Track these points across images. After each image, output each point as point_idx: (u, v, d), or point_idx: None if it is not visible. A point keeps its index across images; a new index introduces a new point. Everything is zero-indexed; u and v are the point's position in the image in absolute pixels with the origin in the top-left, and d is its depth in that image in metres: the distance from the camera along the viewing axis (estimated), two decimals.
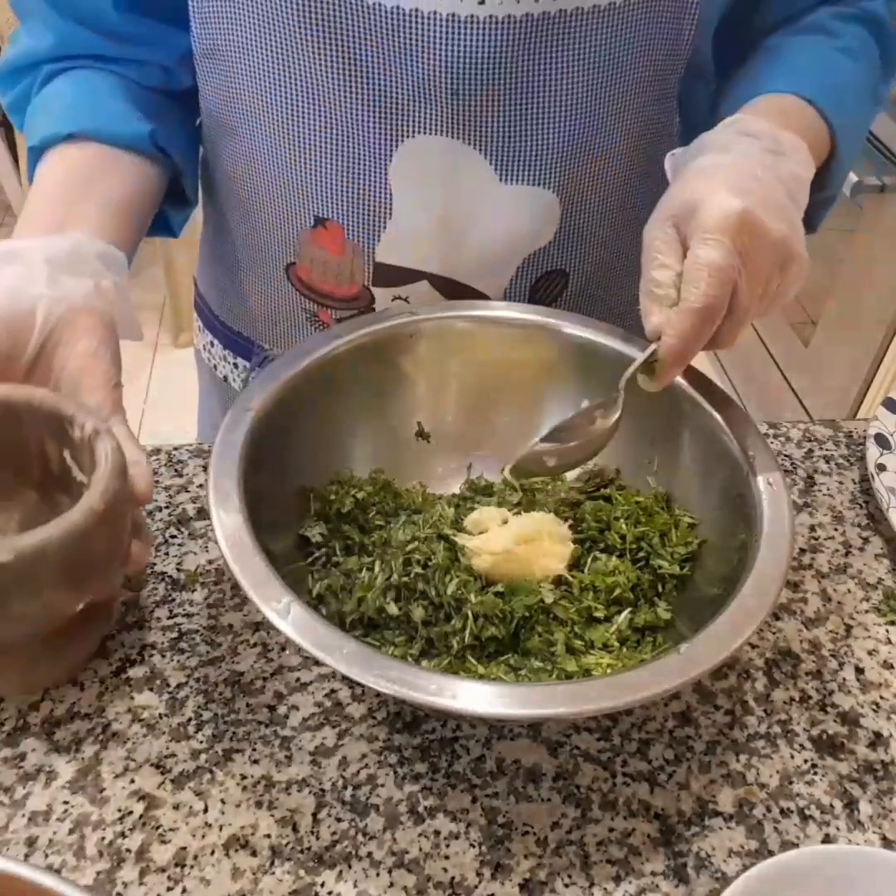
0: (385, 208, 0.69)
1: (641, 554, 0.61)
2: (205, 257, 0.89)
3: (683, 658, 0.47)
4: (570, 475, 0.68)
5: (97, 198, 0.65)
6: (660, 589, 0.60)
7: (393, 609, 0.57)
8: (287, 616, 0.47)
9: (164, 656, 0.60)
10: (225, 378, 0.90)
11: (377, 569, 0.58)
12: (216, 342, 0.89)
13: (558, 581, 0.60)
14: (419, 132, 0.65)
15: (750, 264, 0.55)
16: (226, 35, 0.65)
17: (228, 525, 0.51)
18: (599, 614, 0.58)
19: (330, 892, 0.50)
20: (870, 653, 0.63)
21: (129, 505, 0.53)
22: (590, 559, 0.62)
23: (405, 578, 0.58)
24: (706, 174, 0.57)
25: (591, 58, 0.62)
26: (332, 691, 0.59)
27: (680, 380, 0.63)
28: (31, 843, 0.51)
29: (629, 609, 0.59)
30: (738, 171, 0.57)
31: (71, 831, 0.52)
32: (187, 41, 0.68)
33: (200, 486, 0.72)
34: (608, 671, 0.54)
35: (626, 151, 0.70)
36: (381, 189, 0.68)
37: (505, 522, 0.62)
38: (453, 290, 0.73)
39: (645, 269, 0.58)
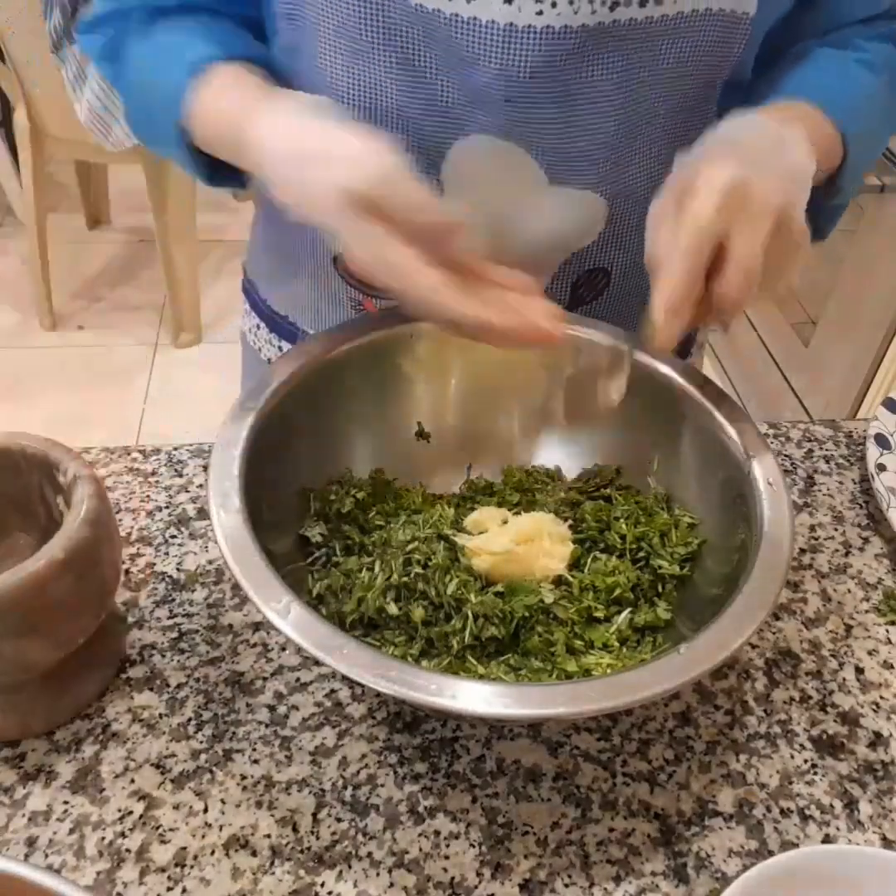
0: None
1: (641, 554, 0.61)
2: (255, 243, 0.90)
3: (683, 658, 0.47)
4: (570, 475, 0.68)
5: None
6: (660, 589, 0.60)
7: (393, 609, 0.57)
8: (287, 616, 0.47)
9: (164, 656, 0.60)
10: (269, 360, 0.90)
11: (377, 569, 0.58)
12: (262, 325, 0.90)
13: (558, 581, 0.60)
14: (474, 132, 0.65)
15: (744, 221, 0.55)
16: (303, 27, 0.65)
17: (228, 525, 0.51)
18: (599, 614, 0.58)
19: (330, 892, 0.49)
20: (870, 653, 0.63)
21: (106, 551, 0.53)
22: (590, 559, 0.62)
23: (405, 578, 0.58)
24: (705, 156, 0.58)
25: (642, 66, 0.63)
26: (332, 691, 0.59)
27: (680, 380, 0.63)
28: (31, 843, 0.51)
29: (629, 609, 0.59)
30: (736, 152, 0.57)
31: (71, 831, 0.52)
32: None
33: (200, 486, 0.72)
34: (608, 671, 0.54)
35: (668, 154, 0.69)
36: (431, 184, 0.68)
37: (505, 522, 0.62)
38: None
39: (646, 241, 0.59)
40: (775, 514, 0.54)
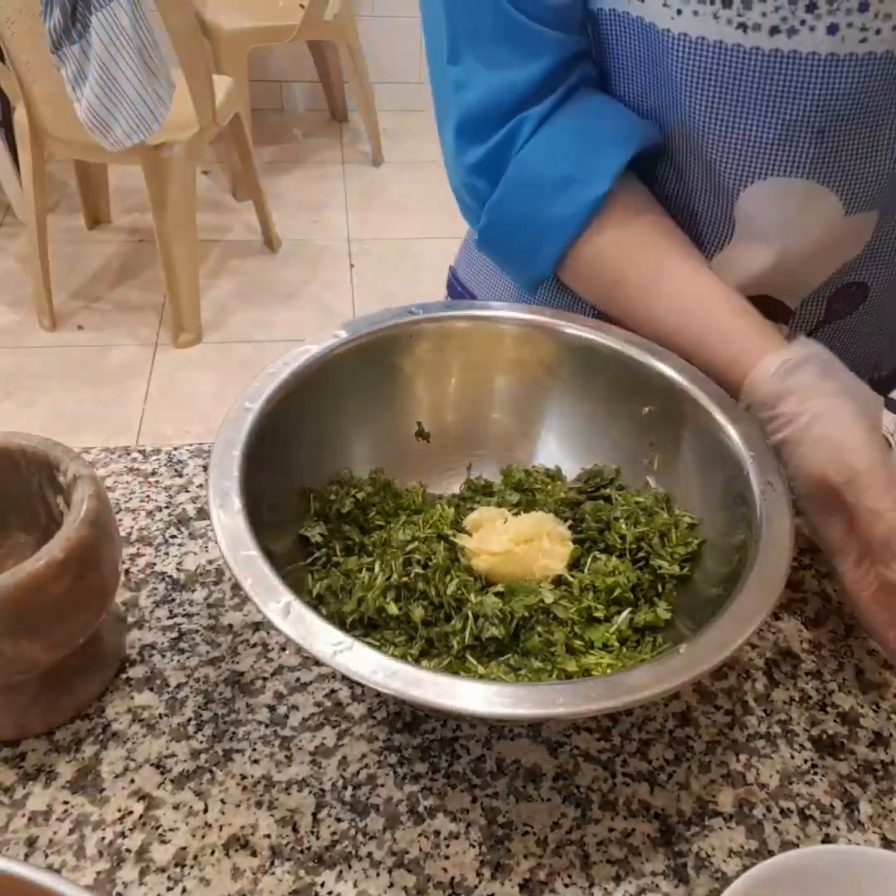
0: (724, 235, 0.70)
1: (641, 554, 0.61)
2: (468, 252, 0.90)
3: (684, 658, 0.47)
4: (571, 475, 0.68)
5: None
6: (660, 589, 0.60)
7: (393, 609, 0.57)
8: (287, 616, 0.47)
9: (164, 656, 0.60)
10: None
11: (377, 569, 0.58)
12: None
13: (558, 581, 0.60)
14: (772, 174, 0.65)
15: None
16: (611, 63, 0.65)
17: (228, 525, 0.51)
18: (599, 614, 0.58)
19: (330, 893, 0.50)
20: (870, 653, 0.63)
21: (106, 551, 0.53)
22: (589, 559, 0.62)
23: (405, 579, 0.58)
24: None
25: None
26: (332, 691, 0.59)
27: (680, 379, 0.63)
28: (31, 843, 0.51)
29: (629, 609, 0.59)
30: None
31: (71, 831, 0.52)
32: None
33: (200, 486, 0.72)
34: (608, 671, 0.54)
35: None
36: (723, 221, 0.69)
37: (504, 522, 0.62)
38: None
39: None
40: (776, 515, 0.54)
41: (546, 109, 0.61)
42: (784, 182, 0.65)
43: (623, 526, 0.62)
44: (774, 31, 0.58)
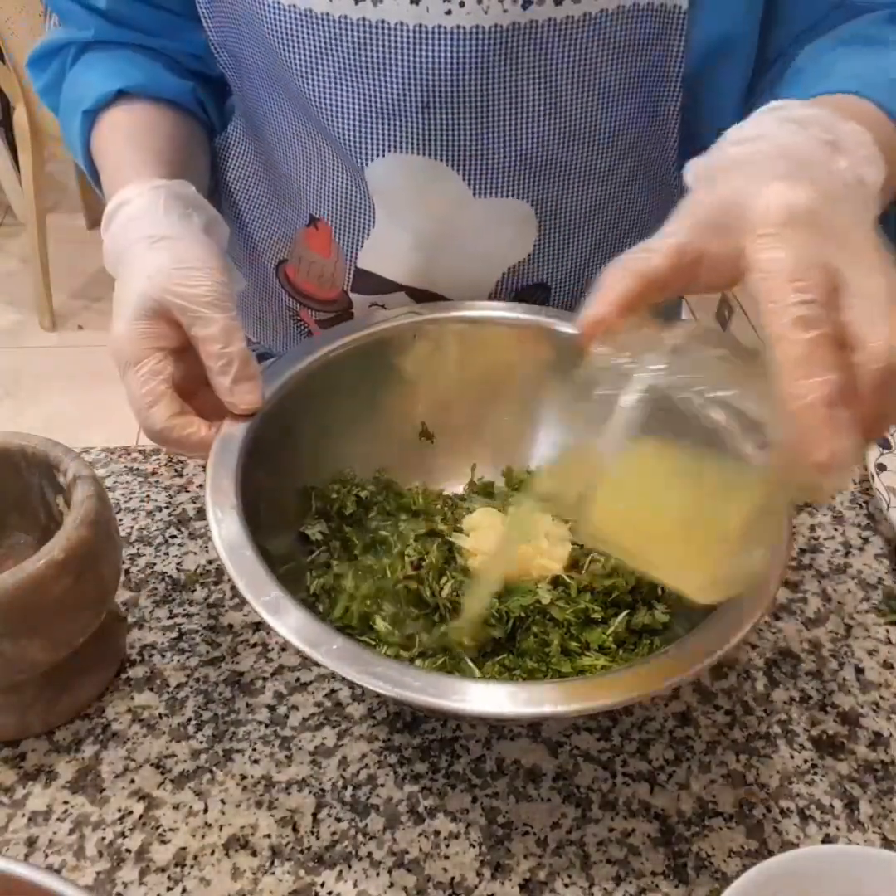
0: (368, 216, 0.69)
1: None
2: None
3: (685, 653, 0.47)
4: None
5: (172, 148, 0.68)
6: (660, 591, 0.60)
7: (380, 624, 0.56)
8: (276, 611, 0.47)
9: (164, 656, 0.60)
10: None
11: (362, 578, 0.58)
12: None
13: (555, 582, 0.60)
14: (390, 150, 0.64)
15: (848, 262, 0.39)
16: (233, 40, 0.67)
17: (224, 520, 0.51)
18: (596, 616, 0.58)
19: (330, 893, 0.49)
20: (870, 653, 0.63)
21: (106, 551, 0.53)
22: (588, 560, 0.62)
23: (400, 583, 0.57)
24: (744, 167, 0.43)
25: (564, 69, 0.61)
26: (332, 691, 0.59)
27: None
28: (31, 843, 0.51)
29: (627, 612, 0.58)
30: (786, 159, 0.43)
31: (71, 831, 0.52)
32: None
33: (200, 486, 0.72)
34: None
35: (608, 164, 0.68)
36: (363, 198, 0.68)
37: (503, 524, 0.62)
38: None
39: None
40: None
41: (79, 50, 0.72)
42: (402, 158, 0.64)
43: None
44: None
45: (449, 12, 0.57)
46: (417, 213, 0.68)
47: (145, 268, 0.56)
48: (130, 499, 0.71)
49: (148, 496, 0.71)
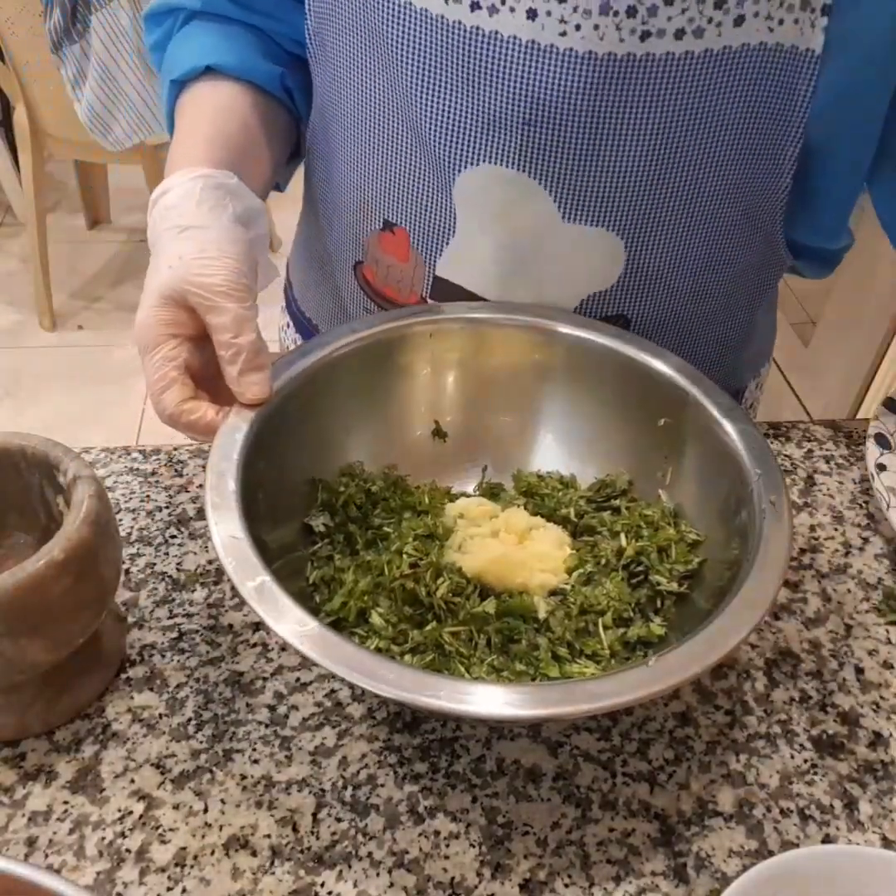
0: (449, 224, 0.69)
1: (640, 568, 0.61)
2: (296, 243, 0.90)
3: (684, 653, 0.47)
4: (586, 483, 0.68)
5: (245, 133, 0.69)
6: (659, 604, 0.60)
7: (377, 619, 0.56)
8: (260, 594, 0.47)
9: (164, 656, 0.60)
10: None
11: (361, 574, 0.58)
12: (291, 324, 0.91)
13: (555, 590, 0.60)
14: (484, 160, 0.64)
15: None
16: (330, 30, 0.66)
17: (221, 505, 0.51)
18: (592, 629, 0.58)
19: (330, 893, 0.49)
20: (870, 653, 0.63)
21: (106, 551, 0.53)
22: (588, 566, 0.61)
23: (395, 581, 0.57)
24: None
25: (678, 105, 0.59)
26: (332, 691, 0.59)
27: (694, 391, 0.62)
28: (31, 843, 0.51)
29: (622, 631, 0.58)
30: None
31: (71, 831, 0.52)
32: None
33: (200, 486, 0.72)
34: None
35: (709, 208, 0.66)
36: (446, 205, 0.68)
37: (493, 517, 0.62)
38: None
39: None
40: (774, 535, 0.53)
41: (188, 16, 0.73)
42: (495, 170, 0.64)
43: (622, 540, 0.62)
44: (475, 6, 0.57)
45: (564, 34, 0.56)
46: (503, 227, 0.67)
47: (169, 257, 0.57)
48: (130, 499, 0.71)
49: (148, 496, 0.71)
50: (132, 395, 2.24)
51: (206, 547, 0.67)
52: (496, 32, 0.58)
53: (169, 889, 0.49)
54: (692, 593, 0.59)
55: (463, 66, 0.60)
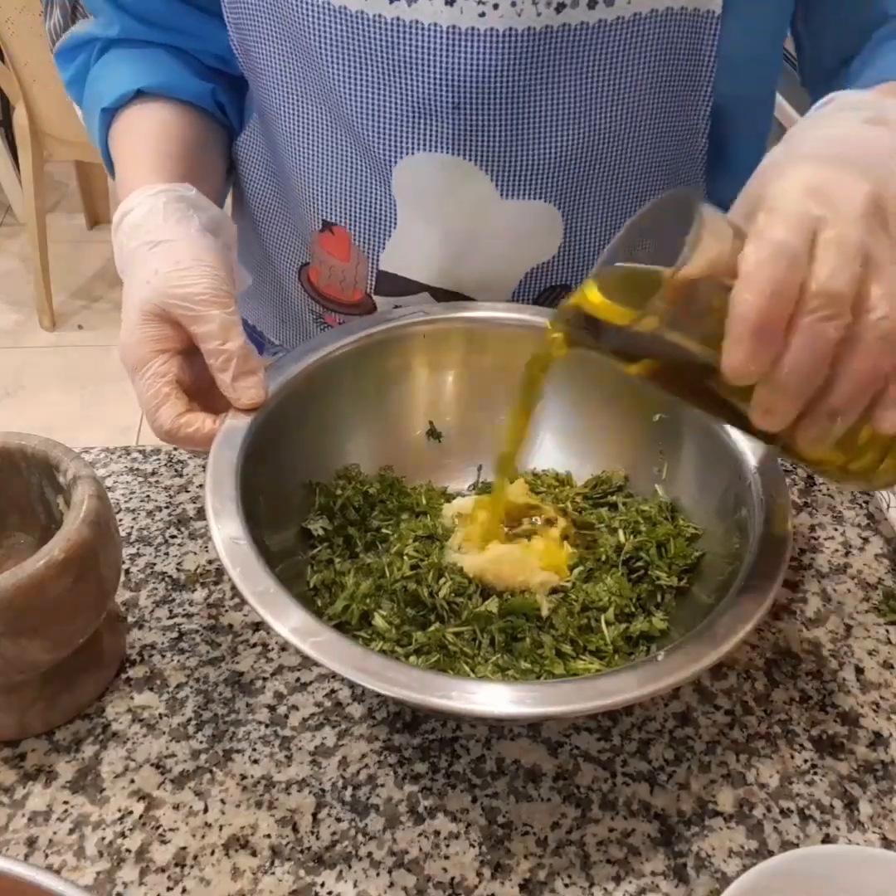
0: (390, 218, 0.69)
1: (639, 564, 0.61)
2: None
3: (684, 653, 0.47)
4: (581, 480, 0.68)
5: (184, 150, 0.69)
6: (659, 599, 0.60)
7: (380, 622, 0.56)
8: (266, 601, 0.47)
9: (164, 656, 0.60)
10: None
11: (362, 576, 0.58)
12: None
13: (556, 587, 0.60)
14: (419, 149, 0.64)
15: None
16: (253, 39, 0.67)
17: (222, 511, 0.51)
18: (595, 626, 0.58)
19: (330, 893, 0.49)
20: (870, 653, 0.63)
21: (106, 551, 0.53)
22: (587, 564, 0.61)
23: (396, 583, 0.57)
24: (780, 161, 0.44)
25: (597, 72, 0.61)
26: (332, 691, 0.59)
27: None
28: (31, 843, 0.51)
29: (624, 626, 0.58)
30: (825, 142, 0.44)
31: (71, 831, 0.52)
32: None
33: (200, 486, 0.72)
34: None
35: (636, 169, 0.68)
36: (385, 199, 0.68)
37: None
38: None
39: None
40: (773, 527, 0.53)
41: (104, 46, 0.73)
42: (431, 157, 0.65)
43: (620, 536, 0.62)
44: None
45: (483, 15, 0.57)
46: (444, 212, 0.68)
47: (144, 273, 0.57)
48: (130, 499, 0.71)
49: (148, 496, 0.71)
50: (132, 395, 2.23)
51: (206, 547, 0.67)
52: (416, 21, 0.58)
53: (169, 889, 0.49)
54: (692, 587, 0.60)
55: (387, 59, 0.60)
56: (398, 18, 0.59)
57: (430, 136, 0.64)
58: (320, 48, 0.62)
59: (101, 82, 0.72)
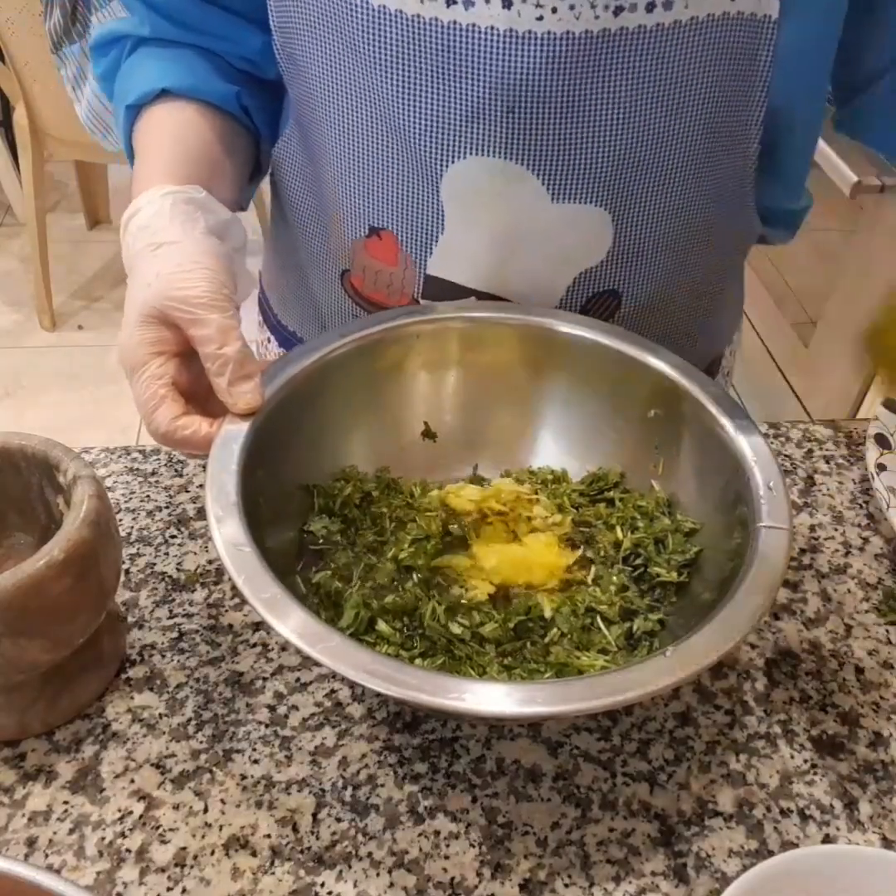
0: (438, 222, 0.69)
1: (639, 560, 0.61)
2: (269, 256, 0.90)
3: (684, 653, 0.47)
4: (577, 477, 0.68)
5: (203, 152, 0.69)
6: (659, 595, 0.60)
7: (384, 627, 0.56)
8: (275, 609, 0.47)
9: (164, 656, 0.60)
10: None
11: (365, 579, 0.58)
12: (273, 339, 0.91)
13: (560, 583, 0.60)
14: (471, 153, 0.64)
15: None
16: (299, 42, 0.66)
17: (224, 518, 0.51)
18: (598, 626, 0.58)
19: (330, 893, 0.49)
20: (870, 653, 0.63)
21: (106, 551, 0.53)
22: (588, 563, 0.61)
23: (394, 596, 0.57)
24: None
25: (652, 76, 0.60)
26: (332, 691, 0.59)
27: (684, 381, 0.62)
28: (31, 843, 0.51)
29: (627, 625, 0.58)
30: None
31: (71, 831, 0.52)
32: (267, 38, 0.69)
33: (200, 486, 0.72)
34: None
35: (688, 175, 0.67)
36: (433, 204, 0.68)
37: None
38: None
39: None
40: (774, 521, 0.54)
41: (135, 43, 0.74)
42: (481, 161, 0.64)
43: (619, 532, 0.62)
44: (450, 1, 0.57)
45: (540, 18, 0.57)
46: (493, 217, 0.67)
47: (146, 275, 0.57)
48: (130, 499, 0.71)
49: (148, 496, 0.71)
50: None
51: (206, 547, 0.67)
52: (473, 25, 0.58)
53: (169, 889, 0.49)
54: (692, 582, 0.60)
55: (442, 63, 0.60)
56: (454, 22, 0.58)
57: (482, 140, 0.63)
58: (373, 53, 0.61)
59: (129, 79, 0.72)
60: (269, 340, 0.91)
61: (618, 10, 0.57)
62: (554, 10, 0.57)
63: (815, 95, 0.70)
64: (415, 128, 0.64)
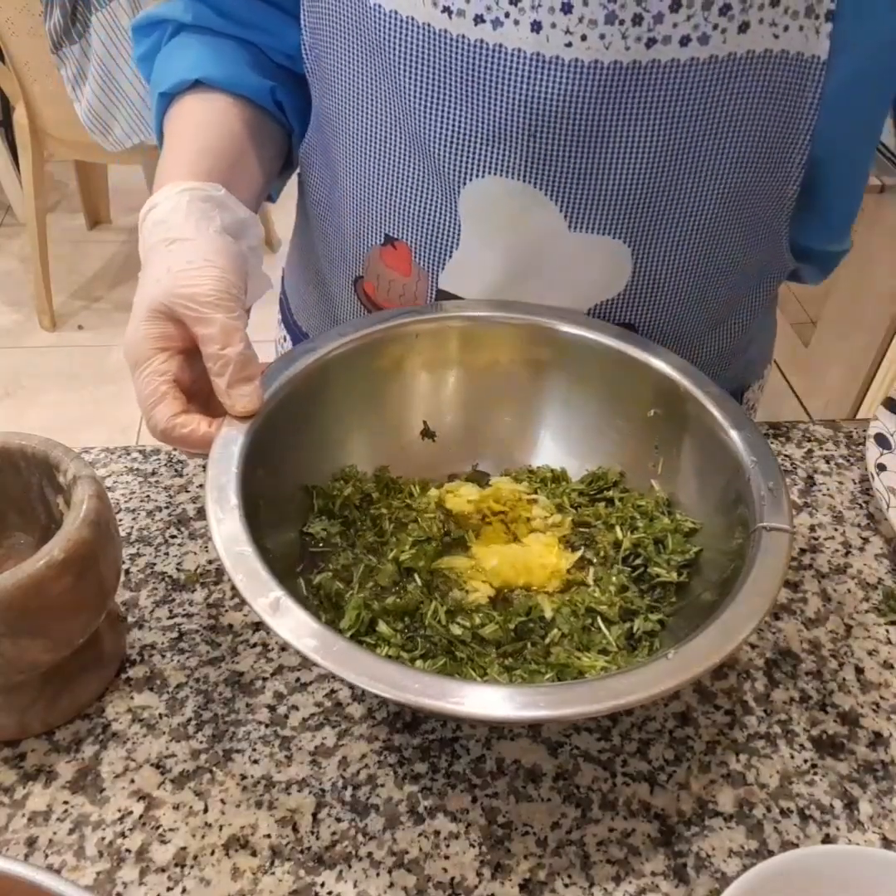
0: (453, 237, 0.68)
1: (638, 561, 0.61)
2: (291, 257, 0.90)
3: (687, 654, 0.47)
4: (576, 477, 0.68)
5: (234, 147, 0.69)
6: (659, 595, 0.60)
7: (385, 628, 0.56)
8: (276, 612, 0.47)
9: (164, 656, 0.60)
10: None
11: (365, 580, 0.58)
12: (289, 339, 0.91)
13: (560, 584, 0.60)
14: (490, 172, 0.63)
15: None
16: (327, 45, 0.66)
17: (224, 519, 0.51)
18: (599, 626, 0.58)
19: (330, 893, 0.49)
20: (870, 653, 0.63)
21: (106, 551, 0.53)
22: (588, 563, 0.61)
23: (393, 599, 0.57)
24: None
25: (683, 112, 0.58)
26: (333, 691, 0.59)
27: (684, 382, 0.62)
28: (31, 843, 0.51)
29: (628, 625, 0.58)
30: None
31: (71, 831, 0.52)
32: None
33: (200, 486, 0.72)
34: (603, 674, 0.54)
35: (716, 214, 0.65)
36: (450, 218, 0.67)
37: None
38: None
39: None
40: (774, 521, 0.54)
41: (176, 28, 0.74)
42: (501, 182, 0.63)
43: (618, 532, 0.62)
44: (479, 19, 0.57)
45: (569, 44, 0.56)
46: (508, 238, 0.67)
47: (157, 270, 0.57)
48: (130, 499, 0.71)
49: (148, 496, 0.71)
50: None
51: (206, 547, 0.67)
52: (500, 45, 0.57)
53: (169, 889, 0.49)
54: (691, 582, 0.60)
55: (467, 80, 0.59)
56: (481, 40, 0.57)
57: (502, 161, 0.62)
58: (399, 64, 0.61)
59: (166, 65, 0.72)
60: (284, 339, 0.91)
61: (650, 43, 0.55)
62: (583, 38, 0.55)
63: (867, 136, 0.66)
64: (435, 142, 0.63)
